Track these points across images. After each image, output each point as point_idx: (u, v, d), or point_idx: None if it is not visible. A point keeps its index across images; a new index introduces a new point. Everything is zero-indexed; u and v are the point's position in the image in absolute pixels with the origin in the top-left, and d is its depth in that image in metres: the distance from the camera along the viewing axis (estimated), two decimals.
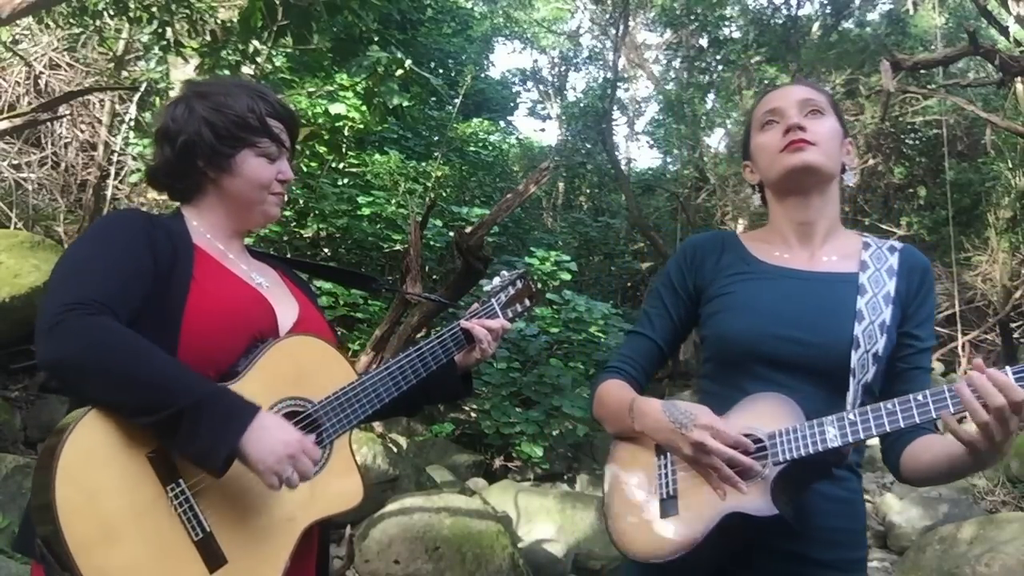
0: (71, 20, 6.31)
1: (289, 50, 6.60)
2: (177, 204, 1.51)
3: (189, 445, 1.17)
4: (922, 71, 10.39)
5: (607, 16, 16.53)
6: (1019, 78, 9.50)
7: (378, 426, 5.79)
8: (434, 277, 9.33)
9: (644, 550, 1.39)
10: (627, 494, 1.46)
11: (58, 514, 1.10)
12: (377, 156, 9.65)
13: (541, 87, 20.50)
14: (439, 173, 10.08)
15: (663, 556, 1.35)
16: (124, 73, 7.23)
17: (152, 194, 6.57)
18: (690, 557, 1.32)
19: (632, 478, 1.46)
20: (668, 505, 1.39)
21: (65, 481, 1.12)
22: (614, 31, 15.96)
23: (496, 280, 1.76)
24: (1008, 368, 1.15)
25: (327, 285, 6.47)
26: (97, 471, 1.16)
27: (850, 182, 1.55)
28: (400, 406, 1.58)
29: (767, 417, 1.33)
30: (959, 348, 10.35)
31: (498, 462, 7.05)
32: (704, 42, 15.64)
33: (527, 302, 1.77)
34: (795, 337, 1.39)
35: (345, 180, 8.74)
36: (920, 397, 1.22)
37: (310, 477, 1.26)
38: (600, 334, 8.10)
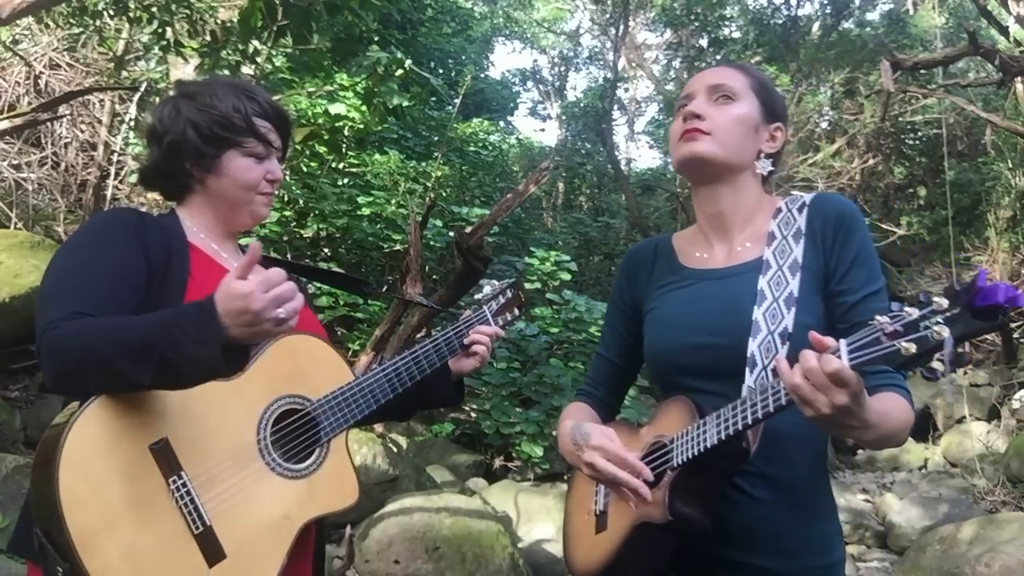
0: (71, 20, 6.31)
1: (289, 50, 6.61)
2: (172, 205, 1.51)
3: (190, 370, 1.16)
4: (922, 71, 10.39)
5: (607, 16, 16.53)
6: (1019, 78, 9.50)
7: (378, 426, 5.79)
8: (434, 277, 9.33)
9: (582, 566, 1.42)
10: (574, 513, 1.50)
11: (61, 503, 1.10)
12: (377, 156, 9.66)
13: (541, 87, 20.50)
14: (439, 173, 10.08)
15: (594, 570, 1.38)
16: (124, 73, 7.23)
17: (152, 194, 6.56)
18: (614, 568, 1.34)
19: (579, 498, 1.50)
20: (601, 520, 1.41)
21: (68, 470, 1.12)
22: (614, 31, 15.97)
23: (487, 288, 1.79)
24: (843, 341, 1.05)
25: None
26: (100, 461, 1.16)
27: (763, 171, 1.43)
28: (394, 410, 1.59)
29: (672, 422, 1.31)
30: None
31: (498, 462, 7.04)
32: (704, 42, 15.64)
33: (516, 311, 1.79)
34: (700, 343, 1.35)
35: (345, 180, 8.74)
36: (775, 383, 1.14)
37: (292, 299, 1.18)
38: (600, 334, 8.08)
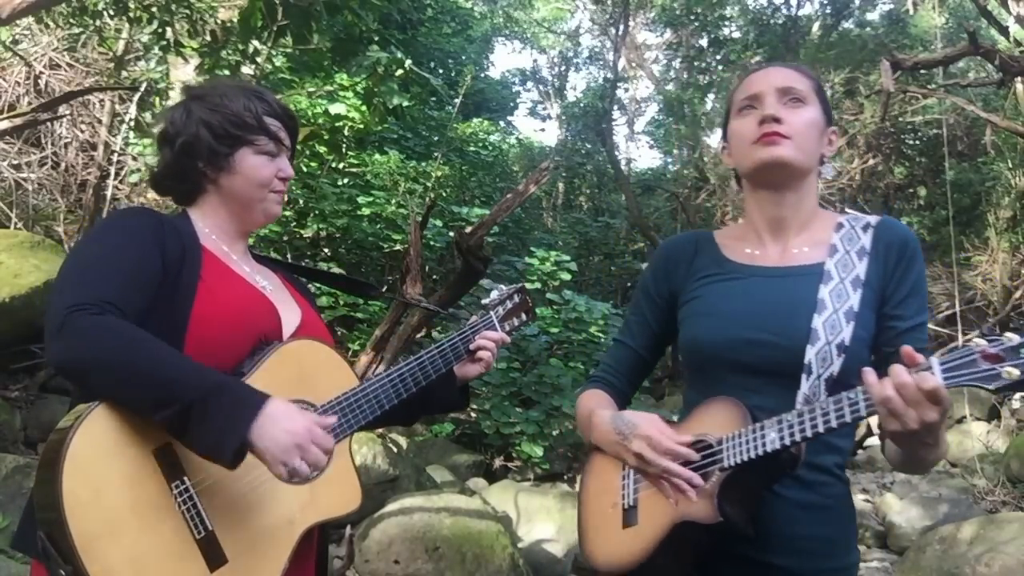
0: (71, 20, 6.31)
1: (289, 50, 6.60)
2: (182, 208, 1.51)
3: (200, 439, 1.17)
4: (922, 71, 10.39)
5: (607, 16, 16.54)
6: (1019, 78, 9.50)
7: None
8: (434, 277, 9.33)
9: (606, 561, 1.40)
10: (594, 505, 1.47)
11: (64, 507, 1.11)
12: (377, 156, 9.66)
13: (541, 87, 20.52)
14: (439, 173, 10.08)
15: (622, 566, 1.35)
16: (124, 73, 7.23)
17: (152, 194, 6.56)
18: (647, 566, 1.32)
19: (600, 489, 1.47)
20: (630, 515, 1.39)
21: (72, 474, 1.12)
22: (614, 31, 15.97)
23: (494, 293, 1.76)
24: (934, 359, 1.09)
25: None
26: (104, 466, 1.16)
27: (828, 174, 1.47)
28: (397, 416, 1.59)
29: (718, 422, 1.30)
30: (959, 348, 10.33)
31: (498, 462, 7.04)
32: (704, 42, 15.65)
33: (523, 316, 1.78)
34: (755, 339, 1.34)
35: (345, 180, 8.74)
36: (851, 395, 1.16)
37: (322, 466, 1.26)
38: (600, 334, 8.10)
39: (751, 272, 1.43)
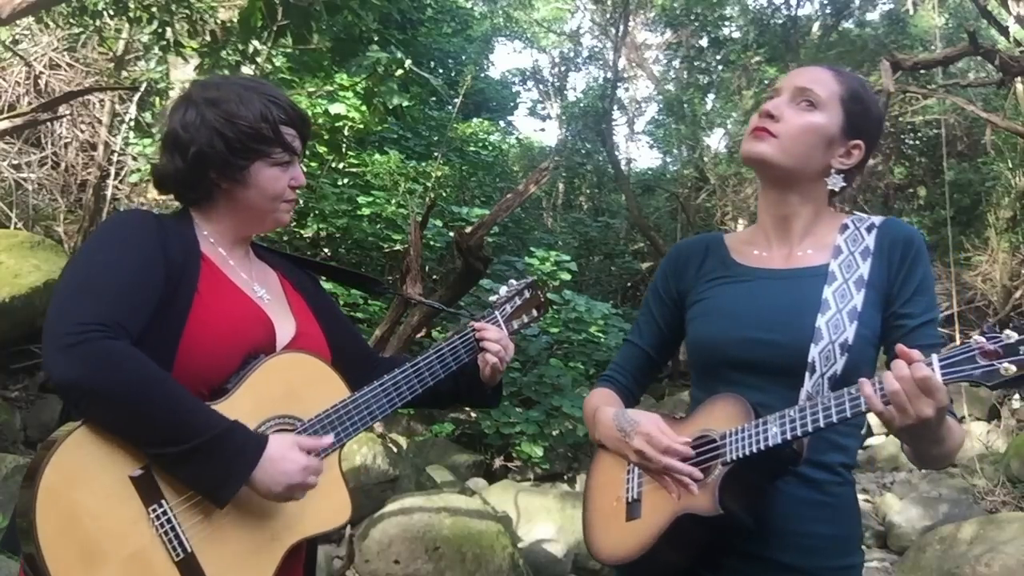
0: (71, 20, 6.31)
1: (289, 50, 6.60)
2: (183, 206, 1.49)
3: (198, 480, 1.20)
4: (922, 71, 10.37)
5: (607, 16, 16.53)
6: (1019, 78, 9.50)
7: (378, 426, 5.79)
8: (434, 277, 9.33)
9: (610, 552, 1.42)
10: (599, 499, 1.50)
11: (39, 538, 1.11)
12: (377, 156, 9.65)
13: (541, 87, 20.48)
14: (439, 173, 10.07)
15: (625, 558, 1.38)
16: (124, 73, 7.23)
17: (152, 194, 6.56)
18: (649, 558, 1.34)
19: (606, 483, 1.49)
20: (633, 508, 1.41)
21: (46, 504, 1.12)
22: (614, 31, 15.96)
23: (503, 290, 1.71)
24: (934, 355, 1.11)
25: (327, 285, 6.46)
26: (79, 493, 1.16)
27: (835, 187, 1.43)
28: (423, 400, 1.57)
29: (722, 418, 1.32)
30: None
31: (498, 462, 7.05)
32: (704, 42, 15.64)
33: (535, 312, 1.73)
34: (758, 338, 1.36)
35: (345, 180, 8.74)
36: (853, 390, 1.17)
37: (313, 482, 1.31)
38: (600, 334, 8.10)
39: (757, 274, 1.45)
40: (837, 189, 1.43)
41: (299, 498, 1.28)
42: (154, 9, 4.95)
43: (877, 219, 1.43)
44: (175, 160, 1.41)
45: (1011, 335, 1.05)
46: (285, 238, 7.63)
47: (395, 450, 5.42)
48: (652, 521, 1.35)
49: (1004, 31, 10.00)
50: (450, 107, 11.67)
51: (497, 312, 1.67)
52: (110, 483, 1.18)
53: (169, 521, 1.20)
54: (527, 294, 1.72)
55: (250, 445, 1.23)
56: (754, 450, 1.24)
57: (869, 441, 8.36)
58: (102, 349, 1.17)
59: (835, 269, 1.38)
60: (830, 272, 1.38)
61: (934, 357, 1.10)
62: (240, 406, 1.28)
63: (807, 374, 1.31)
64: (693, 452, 1.30)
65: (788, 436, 1.22)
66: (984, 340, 1.07)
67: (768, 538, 1.32)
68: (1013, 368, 1.04)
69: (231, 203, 1.43)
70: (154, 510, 1.20)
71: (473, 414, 7.34)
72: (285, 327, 1.44)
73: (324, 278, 1.76)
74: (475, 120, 13.64)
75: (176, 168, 1.41)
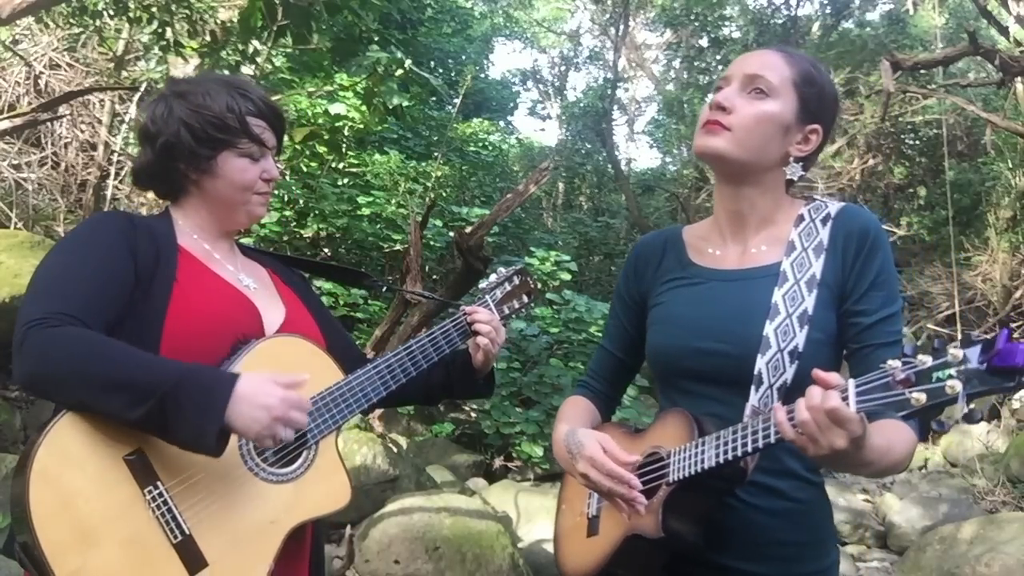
0: (71, 20, 6.31)
1: (289, 50, 6.60)
2: (165, 205, 1.50)
3: (179, 432, 1.16)
4: (922, 71, 10.38)
5: (607, 16, 16.54)
6: (1019, 78, 9.50)
7: (378, 426, 5.79)
8: (434, 277, 9.33)
9: (572, 568, 1.43)
10: (566, 512, 1.50)
11: (32, 519, 1.10)
12: (377, 156, 9.65)
13: (541, 87, 20.50)
14: (439, 173, 10.08)
15: (584, 573, 1.38)
16: (124, 73, 7.23)
17: (151, 194, 6.56)
18: (606, 574, 1.34)
19: (573, 496, 1.49)
20: (593, 524, 1.41)
21: (39, 486, 1.12)
22: (614, 31, 15.97)
23: (492, 277, 1.72)
24: (851, 381, 1.03)
25: (327, 285, 6.47)
26: (72, 475, 1.15)
27: (793, 176, 1.35)
28: (414, 395, 1.58)
29: (670, 435, 1.29)
30: None
31: (498, 462, 7.04)
32: (704, 42, 15.64)
33: (525, 298, 1.73)
34: (708, 348, 1.31)
35: (345, 180, 8.75)
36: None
37: (304, 427, 1.26)
38: (600, 334, 8.09)
39: (710, 276, 1.39)
40: (796, 179, 1.36)
41: (287, 438, 1.22)
42: (154, 9, 4.95)
43: (833, 208, 1.34)
44: (147, 152, 1.43)
45: (925, 360, 0.96)
46: (285, 238, 7.63)
47: (395, 450, 5.42)
48: (608, 538, 1.34)
49: (1004, 31, 10.00)
50: (450, 107, 11.68)
51: (487, 296, 1.68)
52: (103, 465, 1.17)
53: (166, 503, 1.20)
54: (516, 280, 1.72)
55: (220, 383, 1.18)
56: (692, 472, 1.20)
57: None
58: (40, 337, 1.17)
59: (787, 268, 1.31)
60: (781, 272, 1.31)
61: (851, 384, 1.02)
62: None
63: (752, 387, 1.26)
64: (634, 477, 1.24)
65: (721, 460, 1.17)
66: (899, 366, 0.98)
67: (737, 550, 1.30)
68: (923, 398, 0.95)
69: (203, 195, 1.44)
70: (150, 491, 1.19)
71: (473, 414, 7.34)
72: (273, 313, 1.45)
73: (324, 278, 1.76)
74: (475, 120, 13.65)
75: (148, 160, 1.43)
